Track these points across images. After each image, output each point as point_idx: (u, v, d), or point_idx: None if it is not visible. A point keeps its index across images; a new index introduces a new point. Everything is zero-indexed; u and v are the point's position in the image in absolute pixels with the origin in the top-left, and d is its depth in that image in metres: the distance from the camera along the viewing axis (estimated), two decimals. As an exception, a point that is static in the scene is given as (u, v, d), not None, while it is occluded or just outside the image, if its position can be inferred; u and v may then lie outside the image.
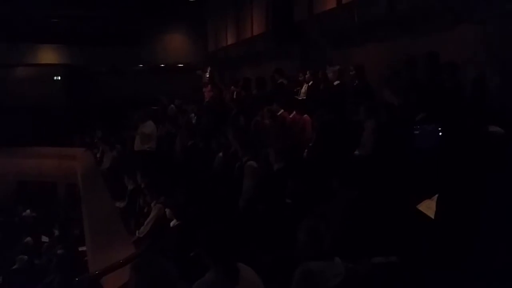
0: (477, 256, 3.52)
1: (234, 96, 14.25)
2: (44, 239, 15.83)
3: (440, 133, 6.01)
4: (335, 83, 10.37)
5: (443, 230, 3.93)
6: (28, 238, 15.49)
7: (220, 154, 9.17)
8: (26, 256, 13.75)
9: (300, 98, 11.34)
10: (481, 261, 3.47)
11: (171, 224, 7.80)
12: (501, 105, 7.25)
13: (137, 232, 8.31)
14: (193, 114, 13.71)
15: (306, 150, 8.56)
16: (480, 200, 3.70)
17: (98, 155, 16.00)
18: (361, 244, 4.53)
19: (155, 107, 16.07)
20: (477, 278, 3.43)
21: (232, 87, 14.94)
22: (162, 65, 24.60)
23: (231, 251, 3.80)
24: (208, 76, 16.48)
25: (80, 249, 11.79)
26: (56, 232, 15.91)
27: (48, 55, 23.83)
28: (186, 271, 4.88)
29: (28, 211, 18.75)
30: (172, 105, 15.83)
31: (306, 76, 11.60)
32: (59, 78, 25.09)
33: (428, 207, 4.48)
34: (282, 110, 9.89)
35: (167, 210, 7.97)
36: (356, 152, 7.50)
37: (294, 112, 9.69)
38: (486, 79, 7.68)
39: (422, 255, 3.92)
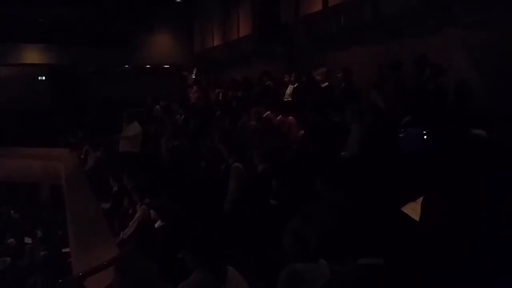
0: (470, 257, 3.54)
1: (220, 98, 14.25)
2: (27, 240, 15.70)
3: (425, 136, 6.04)
4: (323, 85, 10.41)
5: (428, 232, 3.95)
6: (11, 240, 15.35)
7: (206, 155, 9.14)
8: (8, 258, 13.64)
9: (285, 99, 11.37)
10: (474, 262, 3.49)
11: (156, 225, 7.77)
12: (483, 108, 7.33)
13: (121, 233, 8.26)
14: (179, 115, 13.68)
15: (291, 152, 8.58)
16: (465, 202, 3.72)
17: (82, 156, 15.89)
18: (347, 245, 4.54)
19: (140, 108, 16.01)
20: (471, 279, 3.45)
21: (217, 89, 14.95)
22: (148, 66, 24.50)
23: (218, 251, 3.79)
24: (194, 77, 16.46)
25: (64, 250, 11.71)
26: (40, 234, 15.80)
27: (32, 55, 23.63)
28: (170, 273, 4.87)
29: (11, 212, 18.59)
30: (157, 106, 15.78)
31: (291, 78, 11.64)
32: (44, 78, 24.89)
33: (413, 210, 4.50)
34: (268, 112, 9.90)
35: (152, 212, 7.94)
36: (343, 153, 7.52)
37: (280, 114, 9.71)
38: (468, 82, 7.76)
39: (407, 256, 3.94)
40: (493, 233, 3.52)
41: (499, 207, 3.59)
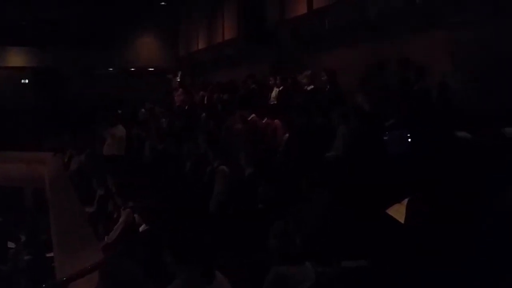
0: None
1: (205, 101, 14.22)
2: (10, 245, 15.52)
3: (409, 139, 6.07)
4: (309, 88, 10.41)
5: (413, 233, 3.96)
6: (-7, 244, 15.18)
7: (191, 158, 9.11)
8: (-8, 263, 13.48)
9: (271, 102, 11.37)
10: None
11: (140, 229, 7.71)
12: (467, 109, 7.38)
13: (106, 237, 8.19)
14: (163, 119, 13.62)
15: (277, 154, 8.57)
16: (449, 204, 3.74)
17: (65, 160, 15.76)
18: (332, 247, 4.54)
19: (125, 110, 15.92)
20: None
21: (202, 91, 14.92)
22: (133, 69, 24.40)
23: (205, 253, 3.76)
24: (179, 80, 16.42)
25: (48, 255, 11.60)
26: (23, 238, 15.63)
27: (16, 58, 23.44)
28: (156, 276, 4.83)
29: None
30: (142, 109, 15.71)
31: (277, 81, 11.64)
32: (27, 81, 24.67)
33: (397, 211, 4.51)
34: (253, 115, 9.88)
35: (136, 215, 7.88)
36: (328, 154, 7.53)
37: (265, 117, 9.70)
38: (451, 83, 7.81)
39: (392, 258, 3.94)
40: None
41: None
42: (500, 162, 4.24)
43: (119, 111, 14.56)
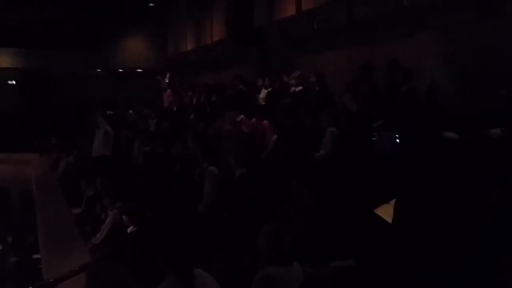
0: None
1: (194, 102, 14.19)
2: (-3, 246, 15.43)
3: (398, 140, 6.10)
4: (298, 89, 10.43)
5: (401, 233, 3.98)
6: (-20, 246, 15.08)
7: (179, 159, 9.09)
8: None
9: (259, 104, 11.37)
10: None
11: (128, 230, 7.68)
12: (455, 110, 7.42)
13: (93, 238, 8.15)
14: (152, 120, 13.58)
15: (264, 155, 8.58)
16: (437, 204, 3.76)
17: (53, 161, 15.67)
18: (321, 247, 4.55)
19: (113, 112, 15.86)
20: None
21: (191, 92, 14.89)
22: (121, 70, 24.31)
23: (187, 258, 3.75)
24: (167, 81, 16.37)
25: (35, 256, 11.52)
26: (10, 239, 15.53)
27: (4, 59, 23.27)
28: (144, 278, 4.81)
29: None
30: (130, 110, 15.65)
31: (265, 82, 11.65)
32: (14, 82, 24.50)
33: (386, 212, 4.53)
34: (242, 116, 9.88)
35: (124, 217, 7.85)
36: (316, 154, 7.54)
37: (254, 118, 9.70)
38: (439, 85, 7.85)
39: (380, 258, 3.95)
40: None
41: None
42: (486, 162, 4.27)
43: (108, 112, 14.48)
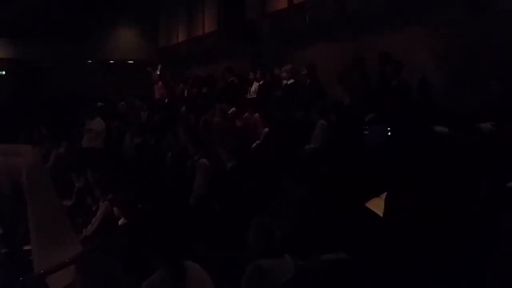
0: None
1: (185, 94, 14.16)
2: (-13, 238, 15.34)
3: (389, 133, 6.12)
4: (289, 82, 10.43)
5: (392, 227, 4.00)
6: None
7: (170, 152, 9.08)
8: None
9: (250, 97, 11.36)
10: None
11: (119, 222, 7.68)
12: (445, 105, 7.46)
13: (84, 230, 8.14)
14: (143, 112, 13.54)
15: (254, 147, 8.59)
16: (427, 197, 3.78)
17: (43, 152, 15.58)
18: (312, 240, 4.57)
19: (104, 103, 15.78)
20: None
21: (182, 84, 14.85)
22: (112, 61, 24.18)
23: (177, 250, 3.76)
24: (158, 73, 16.30)
25: (25, 248, 11.47)
26: (1, 231, 15.46)
27: (-8, 49, 23.11)
28: (134, 270, 4.82)
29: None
30: (122, 102, 15.59)
31: (257, 75, 11.63)
32: (4, 73, 24.34)
33: (377, 205, 4.55)
34: (233, 109, 9.88)
35: (115, 209, 7.84)
36: (307, 146, 7.56)
37: (246, 111, 9.70)
38: (431, 80, 7.88)
39: (371, 251, 3.98)
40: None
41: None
42: (477, 157, 4.30)
43: (99, 104, 14.42)
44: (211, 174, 7.48)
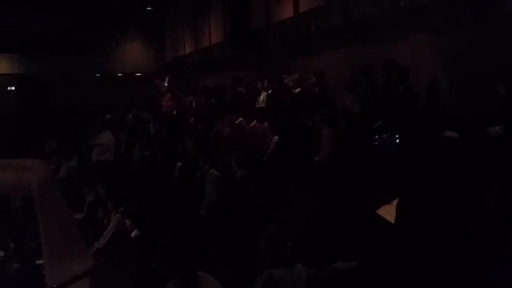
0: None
1: (193, 105, 14.20)
2: (0, 253, 15.40)
3: (398, 140, 6.11)
4: (296, 90, 10.44)
5: (403, 234, 3.99)
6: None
7: (179, 163, 9.10)
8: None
9: (259, 106, 11.38)
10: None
11: (132, 234, 7.70)
12: (453, 111, 7.44)
13: (96, 243, 8.17)
14: (151, 124, 13.59)
15: (264, 158, 8.60)
16: (439, 204, 3.77)
17: (54, 166, 15.67)
18: (322, 250, 4.56)
19: (112, 116, 15.86)
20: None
21: (190, 96, 14.90)
22: (120, 74, 24.31)
23: (190, 261, 3.76)
24: (166, 85, 16.36)
25: (37, 262, 11.51)
26: (12, 246, 15.51)
27: (2, 65, 23.28)
28: (146, 282, 4.83)
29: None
30: (130, 115, 15.65)
31: (264, 84, 11.66)
32: (13, 88, 24.52)
33: (388, 212, 4.54)
34: (241, 119, 9.90)
35: (128, 221, 7.86)
36: (316, 159, 7.55)
37: (254, 121, 9.72)
38: (439, 86, 7.87)
39: (383, 258, 3.97)
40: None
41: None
42: (486, 162, 4.28)
43: (107, 117, 14.49)
44: (221, 184, 7.49)
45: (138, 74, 24.34)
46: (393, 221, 4.25)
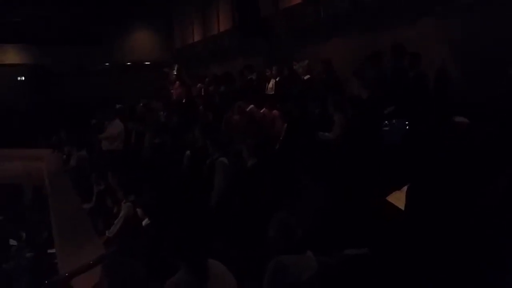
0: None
1: (202, 93, 14.19)
2: (12, 242, 15.54)
3: (407, 126, 6.08)
4: (305, 77, 10.40)
5: (414, 220, 3.97)
6: (-4, 242, 15.21)
7: (189, 151, 9.10)
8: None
9: (268, 93, 11.36)
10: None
11: (143, 223, 7.72)
12: (461, 96, 7.39)
13: (107, 232, 8.21)
14: (161, 112, 13.59)
15: (277, 145, 8.57)
16: (449, 190, 3.74)
17: (64, 156, 15.76)
18: (333, 236, 4.55)
19: (122, 105, 15.88)
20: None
21: (199, 84, 14.88)
22: (128, 64, 24.32)
23: (199, 249, 3.76)
24: (175, 73, 16.35)
25: (49, 251, 11.62)
26: (24, 235, 15.65)
27: (11, 55, 23.39)
28: (157, 271, 4.84)
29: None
30: (140, 104, 15.67)
31: (273, 71, 11.62)
32: (23, 78, 24.63)
33: (398, 199, 4.52)
34: (251, 106, 9.87)
35: (139, 210, 7.88)
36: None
37: (264, 108, 9.69)
38: (448, 71, 7.81)
39: (393, 245, 3.95)
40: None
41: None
42: (497, 148, 4.24)
43: (117, 106, 14.52)
44: (231, 173, 7.47)
45: (147, 63, 24.35)
46: (403, 208, 4.23)
